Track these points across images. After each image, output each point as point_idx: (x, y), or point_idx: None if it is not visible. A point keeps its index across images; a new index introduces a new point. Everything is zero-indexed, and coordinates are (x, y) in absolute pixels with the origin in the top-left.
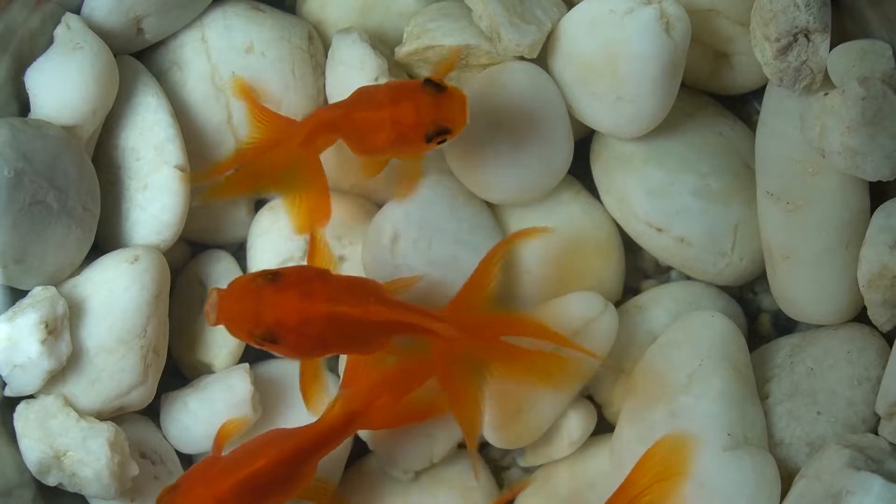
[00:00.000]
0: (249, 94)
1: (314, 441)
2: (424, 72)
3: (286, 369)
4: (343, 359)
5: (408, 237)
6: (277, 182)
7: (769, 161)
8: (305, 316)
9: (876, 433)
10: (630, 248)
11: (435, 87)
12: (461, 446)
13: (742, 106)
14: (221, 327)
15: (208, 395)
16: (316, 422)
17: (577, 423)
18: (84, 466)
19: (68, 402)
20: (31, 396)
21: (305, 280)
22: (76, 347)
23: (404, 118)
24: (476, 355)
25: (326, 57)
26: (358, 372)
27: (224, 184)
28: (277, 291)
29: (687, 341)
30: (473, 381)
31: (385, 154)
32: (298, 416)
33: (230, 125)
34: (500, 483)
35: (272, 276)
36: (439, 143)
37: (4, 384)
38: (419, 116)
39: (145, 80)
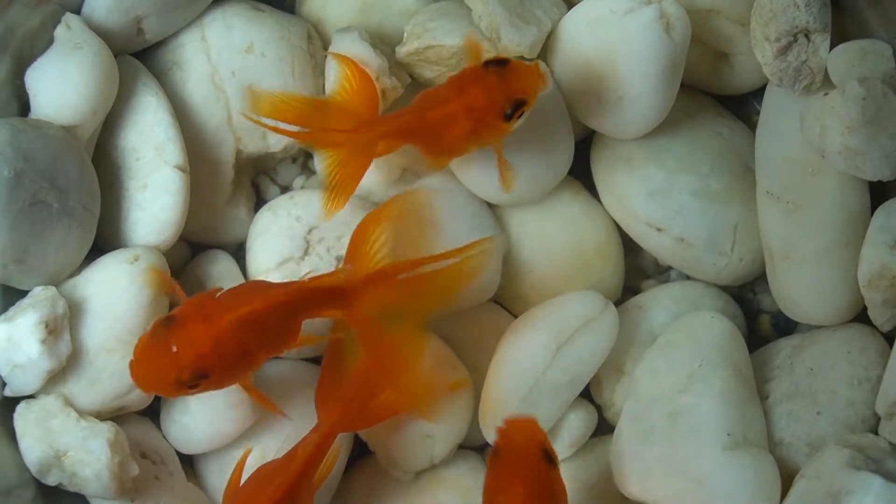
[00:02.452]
0: (350, 63)
1: (304, 467)
2: (426, 72)
3: (287, 370)
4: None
5: None
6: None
7: (769, 161)
8: (216, 335)
9: (876, 433)
10: (630, 248)
11: (497, 63)
12: (461, 447)
13: (742, 106)
14: None
15: (208, 396)
16: (300, 446)
17: (577, 424)
18: (84, 466)
19: (68, 402)
20: (31, 396)
21: (198, 307)
22: (76, 347)
23: (476, 103)
24: (386, 306)
25: (326, 56)
26: (328, 386)
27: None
28: (179, 331)
29: (687, 341)
30: (393, 333)
31: (465, 148)
32: (299, 415)
33: (230, 125)
34: None
35: (166, 321)
36: (518, 117)
37: (4, 384)
38: (490, 97)
39: (145, 80)
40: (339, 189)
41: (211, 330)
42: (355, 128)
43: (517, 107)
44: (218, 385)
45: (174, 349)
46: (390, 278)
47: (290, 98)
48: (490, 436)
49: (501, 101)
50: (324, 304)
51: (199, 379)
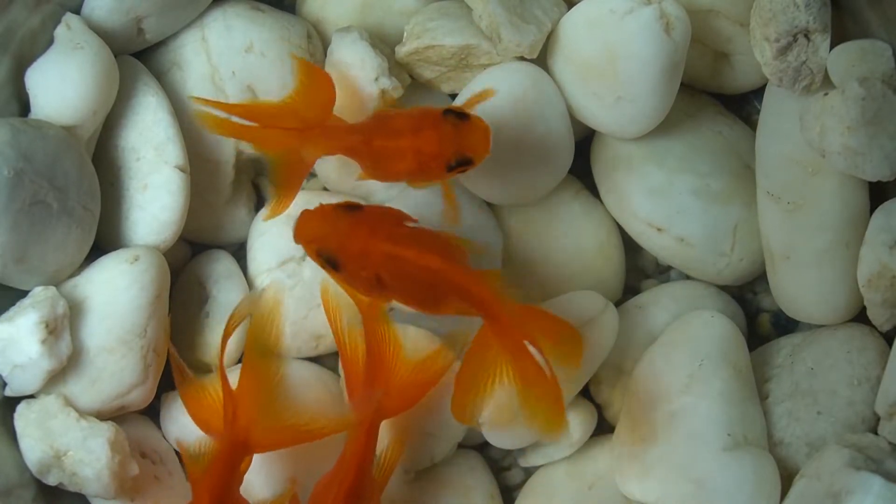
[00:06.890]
0: (307, 65)
1: (358, 468)
2: (426, 72)
3: (287, 370)
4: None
5: None
6: (270, 156)
7: (769, 161)
8: None
9: (876, 433)
10: (630, 247)
11: (457, 115)
12: (461, 445)
13: (742, 106)
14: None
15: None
16: (347, 448)
17: (577, 424)
18: (84, 466)
19: (69, 402)
20: (31, 396)
21: None
22: (76, 347)
23: (426, 147)
24: (269, 400)
25: (326, 56)
26: (355, 380)
27: (228, 124)
28: None
29: (687, 341)
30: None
31: (402, 181)
32: None
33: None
34: (499, 483)
35: None
36: (459, 172)
37: (5, 384)
38: (441, 146)
39: (145, 80)
40: (285, 189)
41: None
42: (302, 130)
43: (462, 163)
44: None
45: None
46: (244, 407)
47: (236, 107)
48: (490, 436)
49: (449, 154)
50: (232, 470)
51: None
